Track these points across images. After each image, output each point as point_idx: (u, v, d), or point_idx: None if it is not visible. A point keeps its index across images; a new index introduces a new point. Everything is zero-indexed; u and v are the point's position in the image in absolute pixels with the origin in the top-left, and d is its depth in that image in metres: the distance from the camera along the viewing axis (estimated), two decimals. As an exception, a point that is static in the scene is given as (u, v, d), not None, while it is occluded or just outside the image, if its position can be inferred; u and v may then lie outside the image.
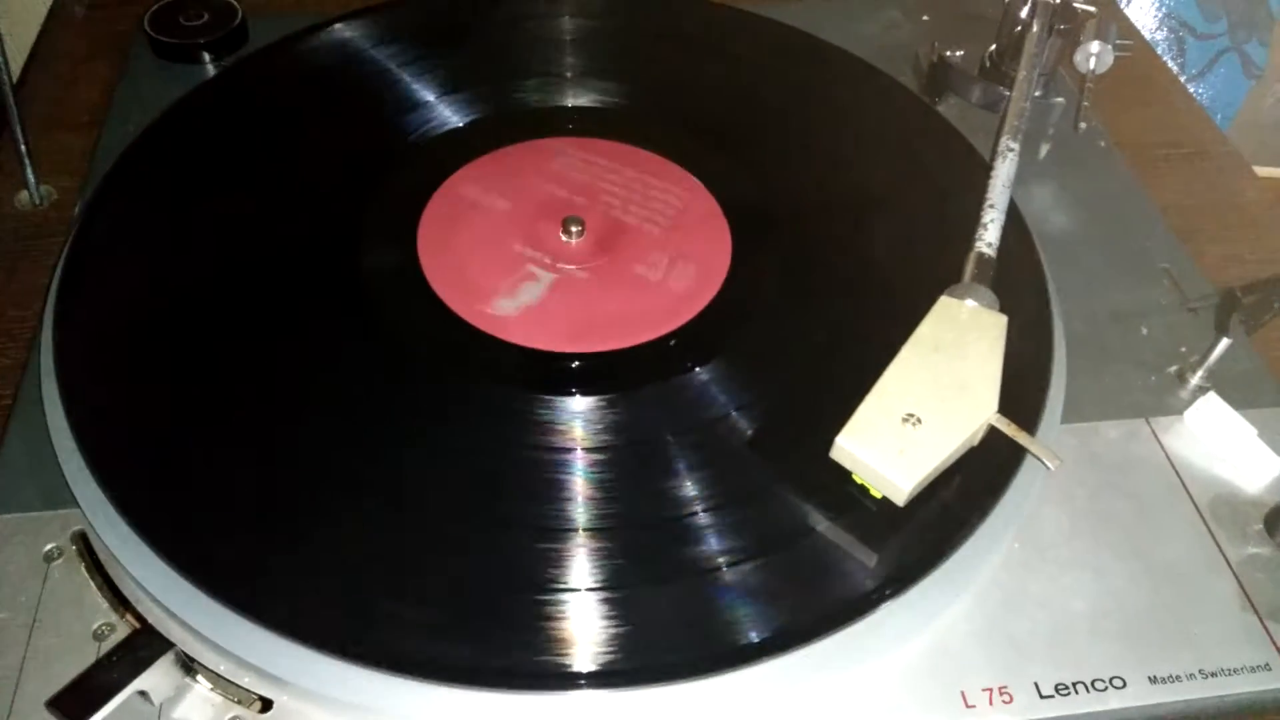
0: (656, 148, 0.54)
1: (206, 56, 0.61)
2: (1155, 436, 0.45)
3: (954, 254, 0.46)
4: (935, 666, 0.38)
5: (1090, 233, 0.55)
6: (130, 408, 0.42)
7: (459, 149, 0.54)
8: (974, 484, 0.40)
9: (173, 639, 0.36)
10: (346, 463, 0.41)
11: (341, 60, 0.58)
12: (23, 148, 0.53)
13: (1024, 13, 0.58)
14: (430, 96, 0.56)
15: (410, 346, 0.45)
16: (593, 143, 0.55)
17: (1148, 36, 0.97)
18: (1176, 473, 0.44)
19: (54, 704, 0.33)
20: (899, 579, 0.38)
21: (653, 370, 0.44)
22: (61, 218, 0.53)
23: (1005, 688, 0.37)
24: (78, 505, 0.39)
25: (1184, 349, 0.49)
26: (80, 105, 0.60)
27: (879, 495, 0.39)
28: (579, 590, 0.37)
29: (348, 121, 0.55)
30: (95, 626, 0.37)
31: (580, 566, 0.38)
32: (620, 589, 0.37)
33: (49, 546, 0.39)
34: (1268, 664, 0.38)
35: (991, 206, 0.47)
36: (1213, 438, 0.45)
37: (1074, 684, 0.37)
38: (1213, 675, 0.38)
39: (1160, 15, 1.02)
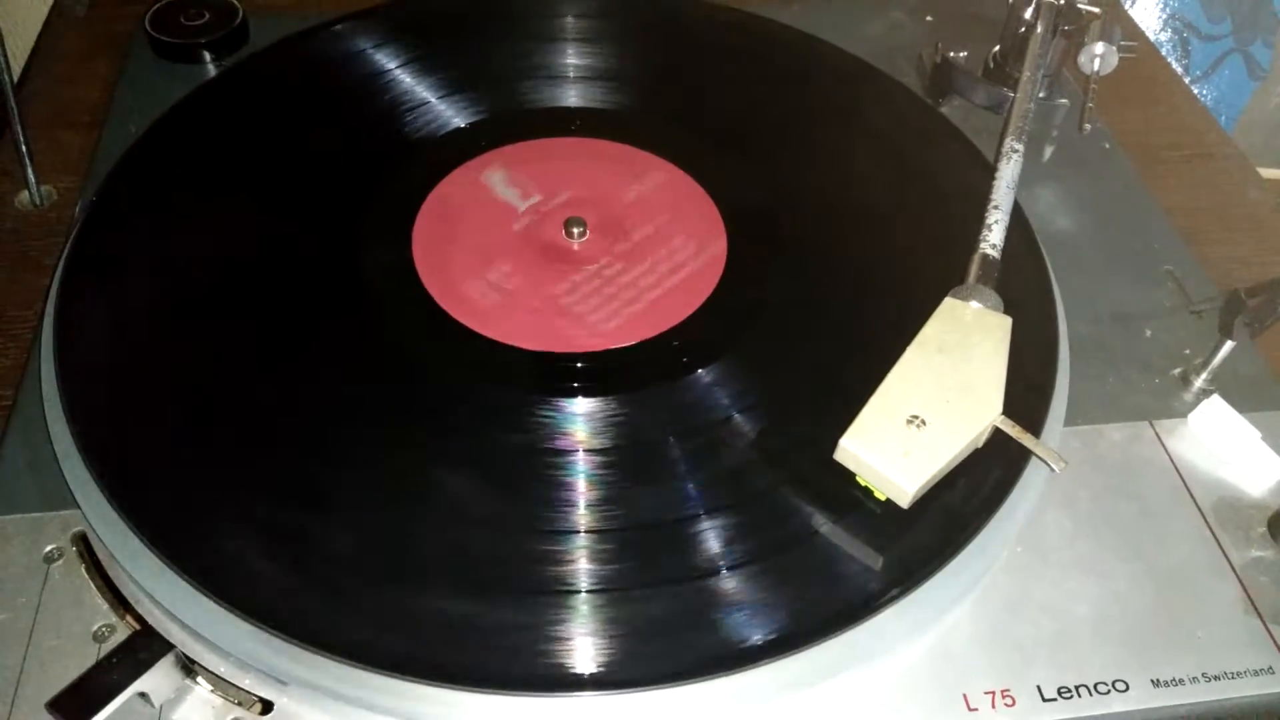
0: (658, 148, 0.54)
1: (207, 56, 0.61)
2: (1159, 439, 0.45)
3: (958, 255, 0.46)
4: (937, 669, 0.38)
5: (1094, 234, 0.54)
6: (130, 409, 0.42)
7: (458, 149, 0.53)
8: (978, 486, 0.40)
9: (173, 640, 0.36)
10: (346, 463, 0.41)
11: (342, 60, 0.58)
12: (23, 148, 0.53)
13: (1028, 14, 0.58)
14: (431, 96, 0.56)
15: (409, 349, 0.45)
16: (592, 143, 0.55)
17: (1152, 37, 0.97)
18: (1180, 476, 0.44)
19: (54, 705, 0.33)
20: (902, 581, 0.38)
21: (654, 371, 0.44)
22: (62, 218, 0.53)
23: (1008, 691, 0.37)
24: (78, 506, 0.39)
25: (1188, 351, 0.49)
26: (81, 105, 0.60)
27: (883, 497, 0.39)
28: (580, 591, 0.37)
29: (348, 121, 0.55)
30: (95, 628, 0.37)
31: (582, 568, 0.38)
32: (621, 590, 0.37)
33: (49, 548, 0.39)
34: (1271, 667, 0.38)
35: (996, 208, 0.47)
36: (1216, 440, 0.45)
37: (1076, 687, 0.37)
38: (1216, 678, 0.38)
39: (1165, 16, 1.02)
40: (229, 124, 0.54)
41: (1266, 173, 0.63)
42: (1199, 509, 0.43)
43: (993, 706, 0.37)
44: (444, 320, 0.45)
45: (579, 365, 0.44)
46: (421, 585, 0.37)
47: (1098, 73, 0.55)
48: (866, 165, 0.55)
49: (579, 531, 0.38)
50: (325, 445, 0.41)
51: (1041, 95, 0.58)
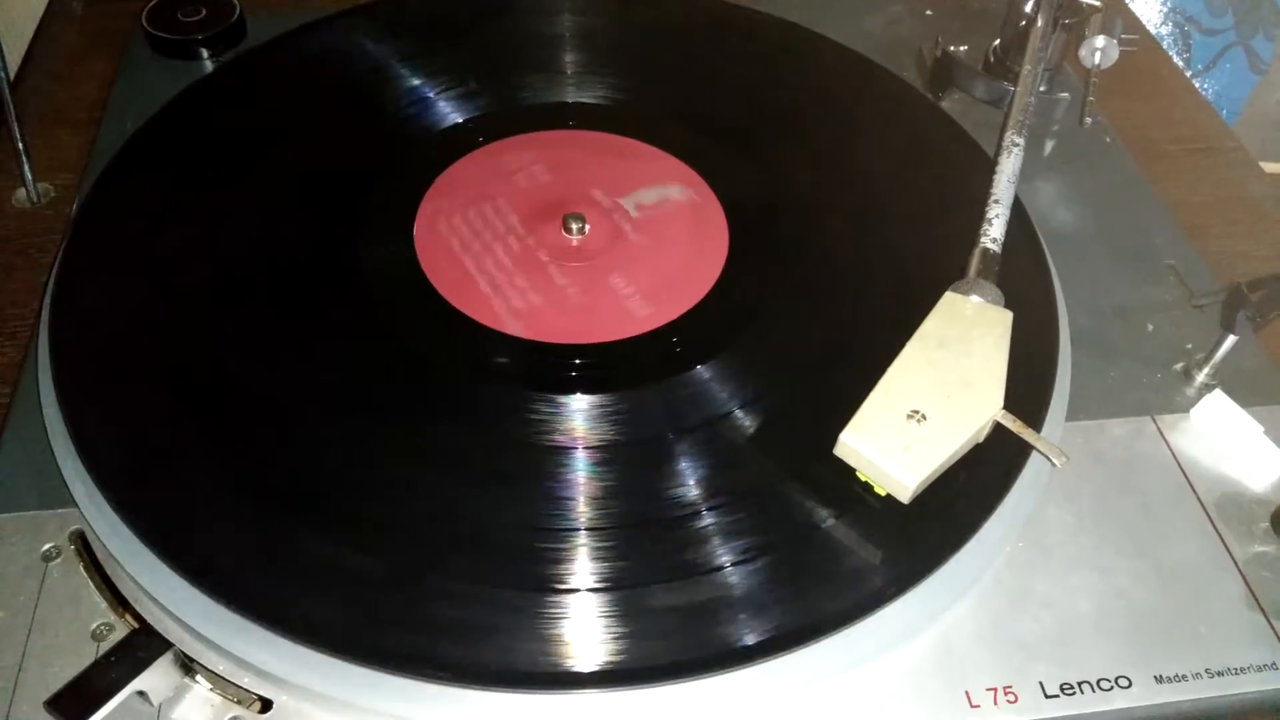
0: (657, 143, 0.54)
1: (204, 52, 0.61)
2: (1161, 434, 0.45)
3: (959, 250, 0.45)
4: (939, 666, 0.37)
5: (1095, 228, 0.54)
6: (128, 407, 0.41)
7: (456, 144, 0.53)
8: (979, 481, 0.40)
9: (171, 639, 0.36)
10: (346, 461, 0.40)
11: (339, 56, 0.58)
12: (20, 145, 0.53)
13: (1029, 7, 0.57)
14: (428, 92, 0.56)
15: (410, 344, 0.45)
16: (591, 138, 0.55)
17: (1153, 31, 0.96)
18: (1182, 471, 0.44)
19: (52, 704, 0.33)
20: (903, 577, 0.37)
21: (654, 366, 0.44)
22: (59, 215, 0.53)
23: (1010, 687, 0.37)
24: (75, 505, 0.39)
25: (1190, 346, 0.48)
26: (78, 102, 0.60)
27: (884, 493, 0.39)
28: (580, 590, 0.37)
29: (345, 117, 0.55)
30: (94, 626, 0.37)
31: (582, 565, 0.37)
32: (622, 588, 0.37)
33: (47, 546, 0.39)
34: (1274, 663, 0.38)
35: (996, 202, 0.46)
36: (1219, 435, 0.45)
37: (1079, 683, 0.37)
38: (1219, 674, 0.38)
39: (1166, 10, 1.02)
40: (226, 120, 0.54)
41: (1268, 166, 0.62)
42: (1201, 504, 0.43)
43: (995, 703, 0.37)
44: (448, 315, 0.45)
45: (577, 360, 0.44)
46: (421, 584, 0.37)
47: (1098, 66, 0.55)
48: (867, 160, 0.55)
49: (578, 529, 0.38)
50: (324, 443, 0.41)
51: (1042, 89, 0.58)
